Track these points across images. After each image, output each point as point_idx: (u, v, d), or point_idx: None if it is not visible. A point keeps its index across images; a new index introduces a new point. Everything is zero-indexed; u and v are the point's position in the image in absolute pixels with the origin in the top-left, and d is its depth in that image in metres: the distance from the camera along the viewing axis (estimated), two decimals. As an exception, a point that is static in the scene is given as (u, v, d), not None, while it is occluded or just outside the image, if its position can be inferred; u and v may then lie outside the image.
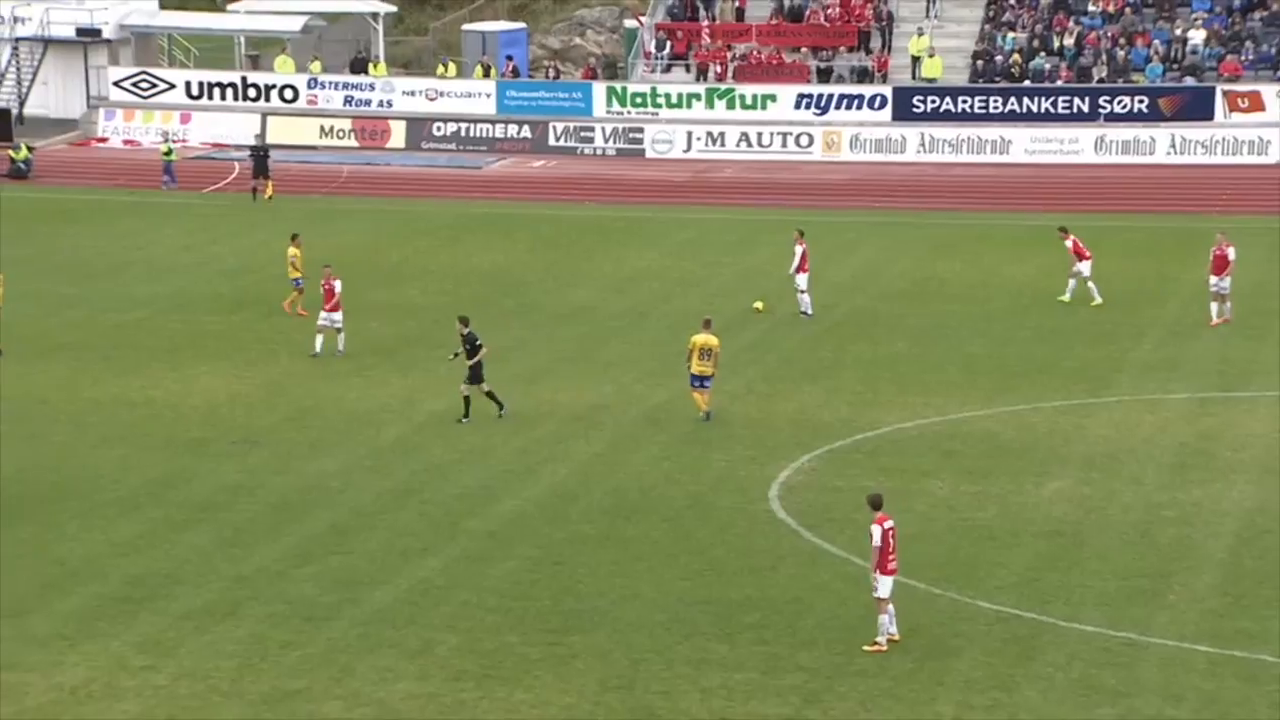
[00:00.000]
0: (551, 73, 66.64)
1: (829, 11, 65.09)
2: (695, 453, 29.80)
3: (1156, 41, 62.57)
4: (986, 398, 33.11)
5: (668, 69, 65.25)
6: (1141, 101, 60.23)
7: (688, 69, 64.85)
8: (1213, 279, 38.47)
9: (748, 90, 62.27)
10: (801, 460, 29.39)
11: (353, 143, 63.37)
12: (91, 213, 52.55)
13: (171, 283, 43.18)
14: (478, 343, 31.54)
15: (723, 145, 61.50)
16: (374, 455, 29.74)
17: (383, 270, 44.65)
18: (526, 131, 62.77)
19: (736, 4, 66.32)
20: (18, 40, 65.33)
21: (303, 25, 67.63)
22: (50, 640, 21.97)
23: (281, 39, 68.30)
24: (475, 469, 29.02)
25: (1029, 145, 60.22)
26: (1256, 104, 59.42)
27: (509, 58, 66.35)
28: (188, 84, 65.24)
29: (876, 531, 21.72)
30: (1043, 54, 62.90)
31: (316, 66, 65.59)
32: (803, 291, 39.28)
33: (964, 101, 61.23)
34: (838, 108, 61.74)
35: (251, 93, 64.78)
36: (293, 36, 67.60)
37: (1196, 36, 62.61)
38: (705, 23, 65.83)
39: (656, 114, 62.61)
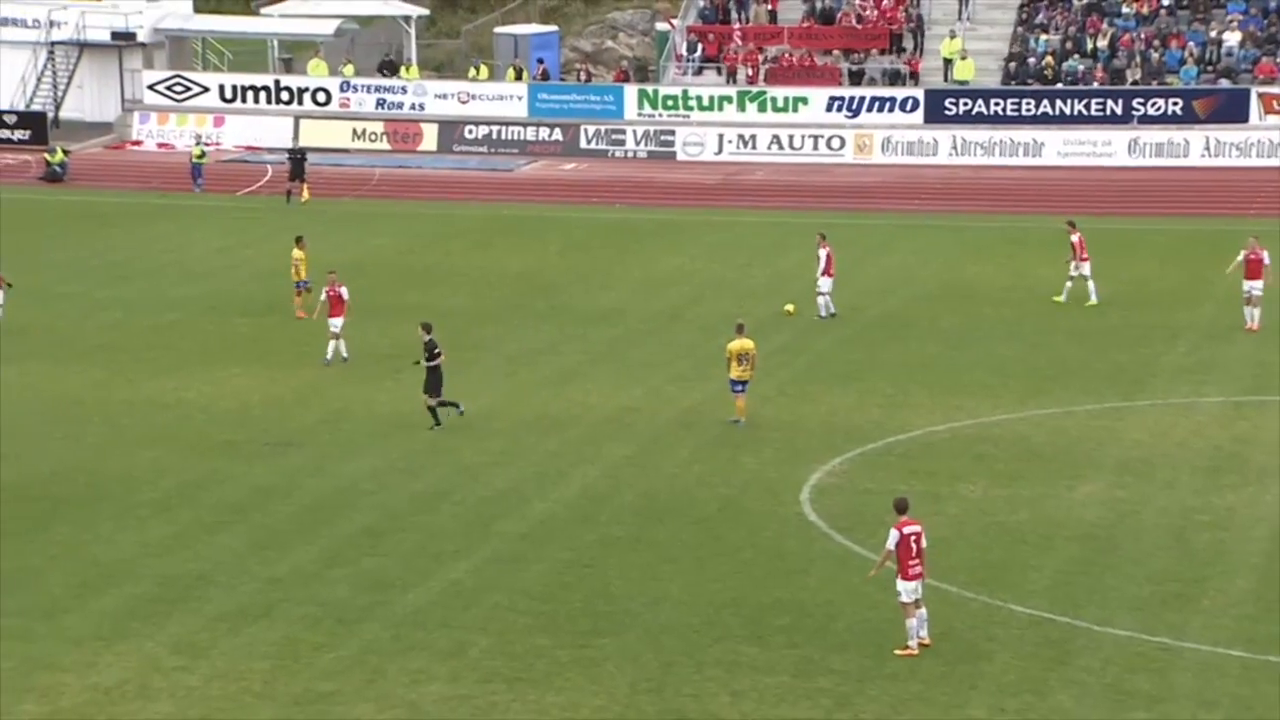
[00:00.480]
0: (583, 75, 66.70)
1: (861, 14, 65.02)
2: (726, 455, 29.79)
3: (1191, 43, 62.25)
4: (1019, 401, 33.01)
5: (699, 72, 65.23)
6: (1176, 104, 59.95)
7: (719, 72, 64.81)
8: (1245, 283, 38.25)
9: (779, 93, 62.21)
10: (833, 463, 29.35)
11: (385, 145, 63.55)
12: (126, 216, 52.83)
13: (205, 285, 43.37)
14: (436, 350, 31.11)
15: (754, 148, 61.46)
16: (406, 457, 29.82)
17: (415, 273, 44.76)
18: (558, 134, 62.84)
19: (769, 6, 66.28)
20: (54, 44, 65.71)
21: (335, 29, 67.87)
22: (85, 640, 22.09)
23: (314, 42, 68.53)
24: (506, 471, 29.06)
25: (1062, 148, 59.99)
26: (1292, 106, 59.14)
27: (540, 61, 66.44)
28: (221, 87, 65.54)
29: (893, 535, 21.70)
30: (1076, 56, 62.66)
31: (349, 70, 65.79)
32: (824, 294, 39.24)
33: (996, 104, 61.05)
34: (869, 110, 61.62)
35: (284, 96, 65.02)
36: (326, 40, 67.82)
37: (1232, 38, 62.28)
38: (737, 25, 65.79)
39: (688, 117, 62.61)
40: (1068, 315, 39.73)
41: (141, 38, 66.06)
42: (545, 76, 65.36)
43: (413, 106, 64.38)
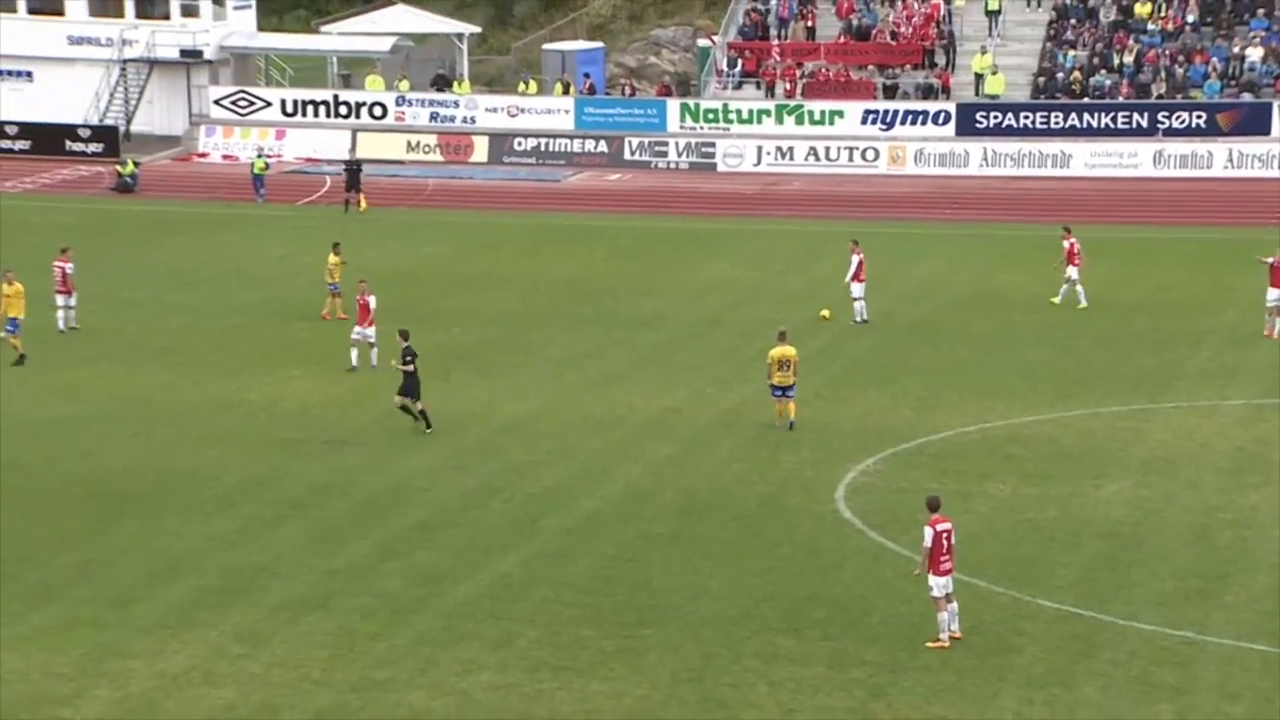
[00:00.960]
0: (627, 90, 66.73)
1: (895, 30, 64.85)
2: (764, 455, 29.73)
3: (1215, 59, 61.87)
4: (1047, 403, 32.83)
5: (739, 86, 65.17)
6: (1199, 117, 59.58)
7: (758, 86, 64.74)
8: (1271, 291, 37.87)
9: (816, 106, 62.10)
10: (867, 462, 29.25)
11: (438, 157, 63.73)
12: (192, 225, 53.13)
13: (266, 291, 43.56)
14: (408, 358, 30.70)
15: (791, 159, 61.36)
16: (457, 456, 29.86)
17: (466, 279, 44.86)
18: (603, 146, 62.88)
19: (807, 23, 66.20)
20: (125, 62, 66.20)
21: (392, 46, 68.16)
22: (154, 629, 22.21)
23: (371, 59, 68.81)
24: (554, 469, 29.07)
25: (1089, 159, 59.69)
26: (1313, 119, 58.65)
27: (587, 75, 66.53)
28: (283, 102, 65.87)
29: (928, 533, 21.61)
30: (1103, 71, 62.36)
31: (404, 85, 66.03)
32: (858, 300, 39.14)
33: (1025, 117, 60.79)
34: (903, 123, 61.45)
35: (343, 110, 65.32)
36: (382, 56, 68.13)
37: (1254, 54, 61.88)
38: (775, 42, 65.72)
39: (728, 129, 62.57)
40: (1094, 321, 39.50)
41: (208, 55, 66.49)
42: (592, 91, 65.41)
43: (464, 120, 64.55)
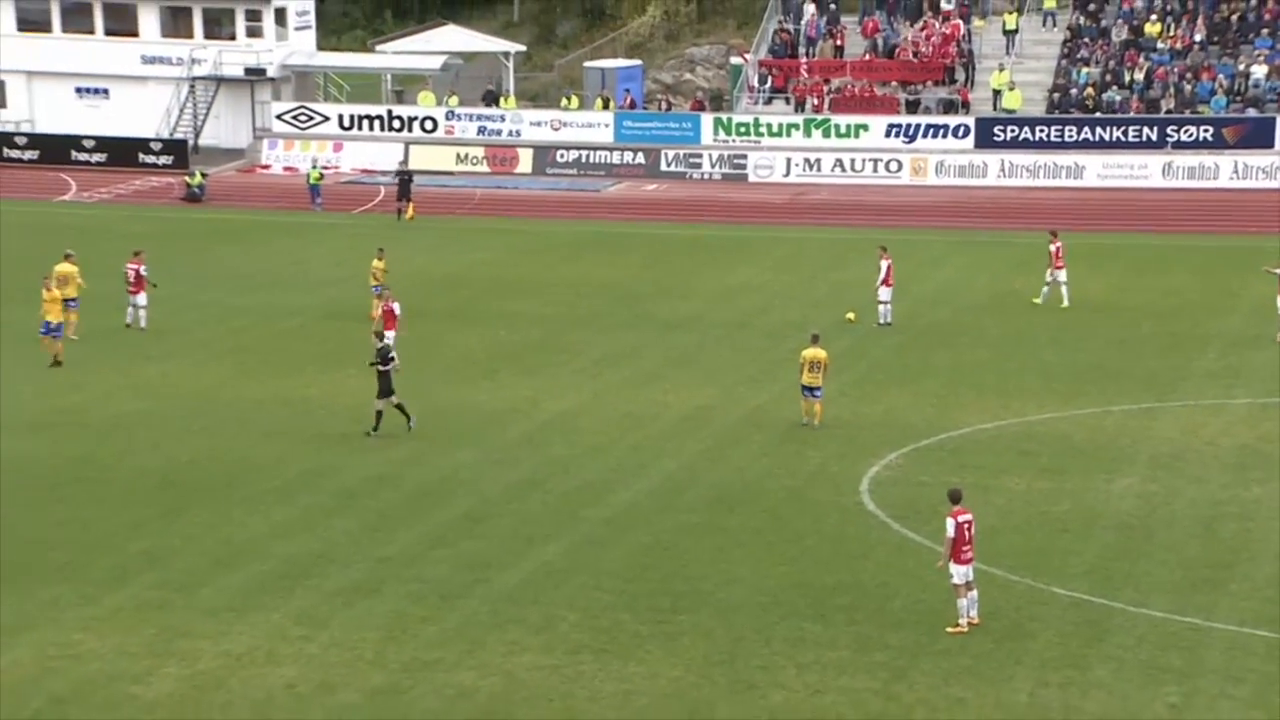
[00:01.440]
0: (664, 105, 66.71)
1: (918, 49, 64.64)
2: (792, 450, 29.66)
3: (1221, 76, 61.47)
4: (1061, 401, 32.65)
5: (769, 101, 65.05)
6: (1207, 131, 59.19)
7: (787, 101, 64.61)
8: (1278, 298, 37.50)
9: (842, 120, 61.94)
10: (890, 458, 29.15)
11: (485, 168, 63.83)
12: (255, 232, 53.37)
13: (324, 294, 43.71)
14: (389, 355, 30.49)
15: (819, 170, 61.21)
16: (502, 450, 29.89)
17: (510, 283, 44.91)
18: (641, 158, 62.87)
19: (836, 42, 66.07)
20: (194, 79, 66.58)
21: (442, 63, 68.32)
22: (219, 611, 22.31)
23: (423, 76, 69.01)
24: (593, 463, 29.07)
25: (1101, 171, 59.35)
26: (1315, 132, 58.17)
27: (626, 91, 66.53)
28: (340, 117, 66.10)
29: (950, 524, 21.51)
30: (1115, 87, 62.02)
31: (454, 100, 66.17)
32: (884, 303, 39.01)
33: (1041, 131, 60.51)
34: (924, 136, 61.24)
35: (396, 124, 65.49)
36: (433, 74, 68.30)
37: (1259, 71, 61.47)
38: (804, 59, 65.60)
39: (758, 142, 62.46)
40: (1105, 324, 39.27)
41: (271, 73, 66.79)
42: (630, 106, 65.41)
43: (510, 133, 64.64)
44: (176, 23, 67.32)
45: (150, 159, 64.65)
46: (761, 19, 69.00)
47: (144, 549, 24.74)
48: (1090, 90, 61.80)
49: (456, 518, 26.28)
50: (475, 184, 61.85)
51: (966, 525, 21.56)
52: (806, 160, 61.35)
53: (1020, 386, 33.82)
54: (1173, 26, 64.18)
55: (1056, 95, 62.69)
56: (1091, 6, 65.87)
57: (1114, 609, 22.31)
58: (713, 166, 62.28)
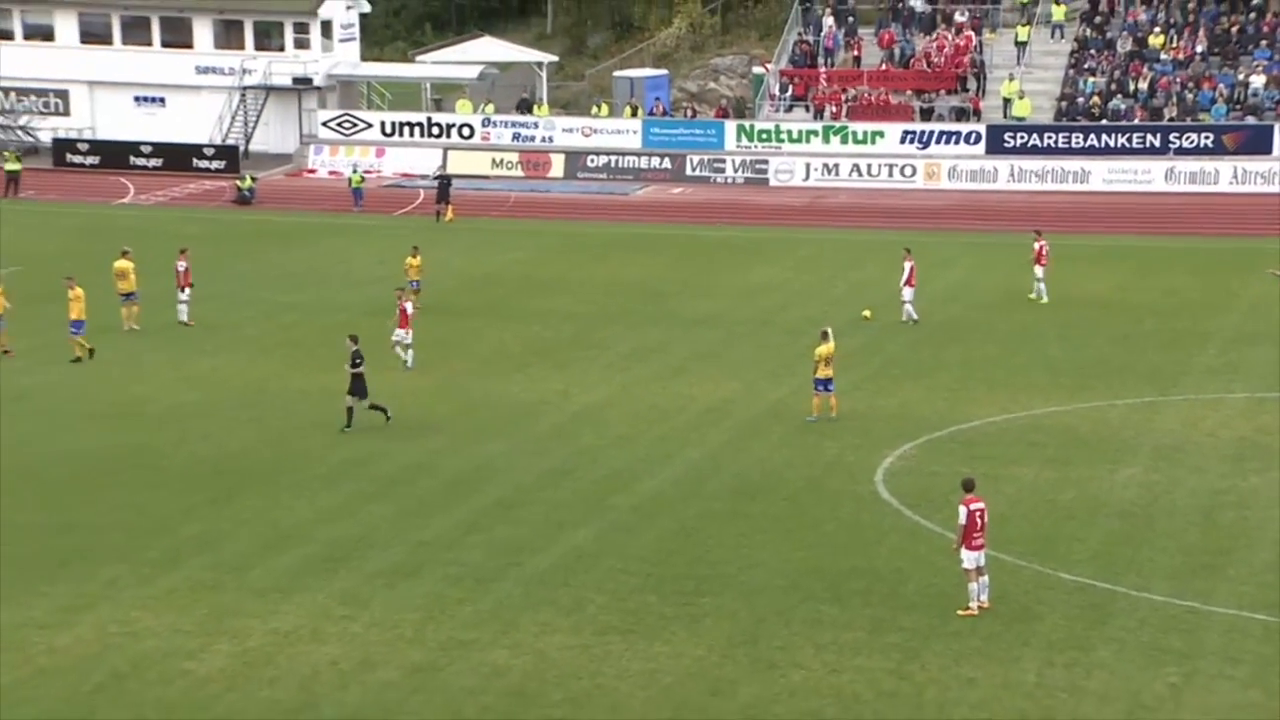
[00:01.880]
0: (689, 112, 66.63)
1: (931, 59, 64.43)
2: (810, 441, 29.60)
3: (1221, 85, 61.12)
4: (1067, 395, 32.51)
5: (790, 109, 64.92)
6: (1207, 138, 58.85)
7: (807, 109, 64.47)
8: None
9: (859, 127, 61.78)
10: (903, 448, 29.07)
11: (519, 173, 63.87)
12: (301, 233, 53.50)
13: (366, 292, 43.78)
14: (357, 361, 30.09)
15: (837, 175, 61.06)
16: (534, 440, 29.91)
17: (543, 282, 44.93)
18: (667, 163, 62.81)
19: (853, 53, 65.92)
20: (245, 88, 66.83)
21: (479, 73, 68.39)
22: (267, 592, 22.40)
23: (461, 85, 69.10)
24: (621, 453, 29.06)
25: (1106, 176, 59.06)
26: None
27: (656, 99, 66.50)
28: (382, 123, 66.21)
29: (962, 511, 21.45)
30: (1119, 96, 61.71)
31: (490, 108, 66.23)
32: (907, 302, 38.90)
33: (1049, 137, 60.24)
34: (938, 143, 61.03)
35: (435, 130, 65.58)
36: (470, 83, 68.37)
37: (1257, 81, 61.11)
38: (823, 69, 65.46)
39: (779, 148, 62.33)
40: (1110, 321, 39.08)
41: (317, 82, 66.97)
42: (662, 113, 65.41)
43: (543, 139, 64.66)
44: (229, 35, 67.59)
45: (203, 164, 64.90)
46: (783, 31, 68.88)
47: (196, 533, 24.85)
48: (1096, 99, 61.51)
49: (490, 504, 26.31)
50: (510, 187, 61.89)
51: (979, 513, 21.49)
52: (825, 165, 61.20)
53: (1028, 381, 33.69)
54: (1175, 38, 63.82)
55: (1064, 103, 62.41)
56: (1098, 19, 65.57)
57: (1117, 593, 22.21)
58: (736, 171, 62.18)
